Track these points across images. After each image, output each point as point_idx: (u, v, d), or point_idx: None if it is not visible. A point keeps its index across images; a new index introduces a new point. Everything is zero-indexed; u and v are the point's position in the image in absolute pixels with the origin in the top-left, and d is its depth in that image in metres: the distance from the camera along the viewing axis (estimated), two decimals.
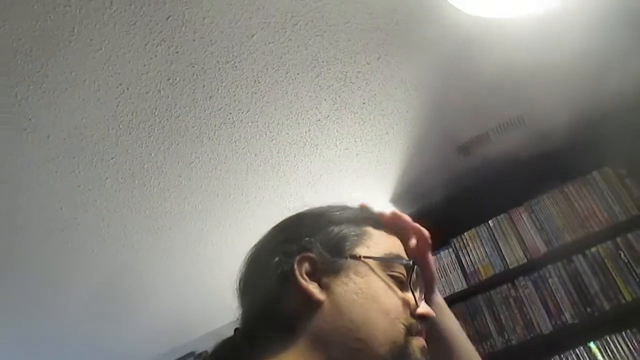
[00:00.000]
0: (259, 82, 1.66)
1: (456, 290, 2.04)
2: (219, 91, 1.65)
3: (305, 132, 1.89)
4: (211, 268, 2.42)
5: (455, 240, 2.13)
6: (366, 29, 1.58)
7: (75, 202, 1.85)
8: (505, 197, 2.06)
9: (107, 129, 1.63)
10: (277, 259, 0.63)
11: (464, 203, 2.12)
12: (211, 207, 2.07)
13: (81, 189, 1.80)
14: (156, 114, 1.64)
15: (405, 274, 0.65)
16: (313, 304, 0.60)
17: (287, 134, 1.88)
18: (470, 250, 2.08)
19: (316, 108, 1.81)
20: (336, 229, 0.66)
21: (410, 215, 2.16)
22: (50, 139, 1.59)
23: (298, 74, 1.67)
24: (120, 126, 1.64)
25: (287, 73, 1.66)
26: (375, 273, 0.63)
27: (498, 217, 2.08)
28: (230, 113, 1.73)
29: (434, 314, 0.65)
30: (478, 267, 2.04)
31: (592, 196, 1.92)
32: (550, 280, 1.89)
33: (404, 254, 0.68)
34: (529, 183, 2.01)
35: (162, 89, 1.58)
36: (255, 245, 0.70)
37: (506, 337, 1.88)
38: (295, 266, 0.61)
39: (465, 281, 2.04)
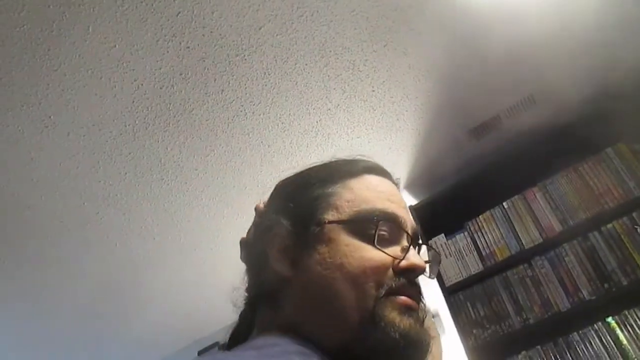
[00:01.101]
0: (269, 74, 1.70)
1: (472, 273, 2.05)
2: (230, 84, 1.69)
3: (317, 121, 1.93)
4: (230, 259, 2.46)
5: (470, 223, 2.14)
6: (372, 17, 1.61)
7: (97, 197, 1.92)
8: (519, 178, 2.06)
9: (124, 124, 1.69)
10: (257, 234, 0.64)
11: (477, 186, 2.12)
12: (228, 198, 2.11)
13: (102, 184, 1.87)
14: (170, 108, 1.69)
15: (385, 230, 0.60)
16: (285, 281, 0.59)
17: (299, 124, 1.91)
18: (486, 233, 2.09)
19: (326, 97, 1.84)
20: (308, 195, 0.63)
21: (425, 200, 2.20)
22: (70, 136, 1.66)
23: (307, 64, 1.70)
24: (137, 121, 1.69)
25: (296, 64, 1.69)
26: (342, 237, 0.58)
27: (512, 198, 2.09)
28: (242, 105, 1.77)
29: (422, 264, 0.59)
30: (494, 249, 2.05)
31: (606, 173, 1.91)
32: (566, 259, 1.89)
33: (387, 202, 0.62)
34: (542, 163, 2.00)
35: (175, 83, 1.63)
36: (253, 219, 0.70)
37: (524, 316, 1.89)
38: (267, 244, 0.61)
39: (482, 263, 2.05)
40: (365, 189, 0.63)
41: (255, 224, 0.69)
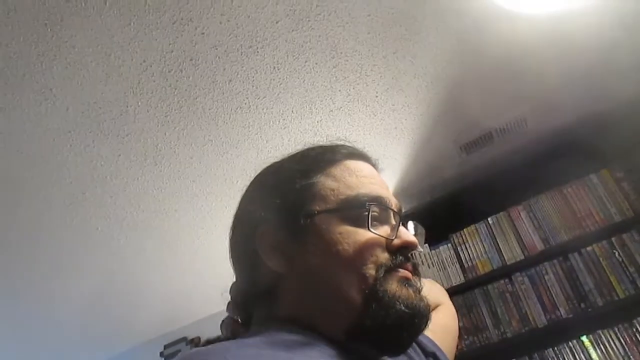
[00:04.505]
0: (278, 69, 1.69)
1: (454, 284, 2.09)
2: (239, 75, 1.67)
3: (317, 121, 1.93)
4: (211, 253, 2.43)
5: (454, 235, 2.19)
6: (386, 23, 1.63)
7: (86, 177, 1.85)
8: (505, 196, 2.12)
9: (125, 105, 1.65)
10: (244, 233, 0.64)
11: (464, 200, 2.17)
12: (219, 191, 2.08)
13: (93, 164, 1.81)
14: (175, 93, 1.66)
15: (375, 212, 0.61)
16: (280, 276, 0.59)
17: (300, 122, 1.91)
18: (469, 246, 2.14)
19: (330, 98, 1.85)
20: (292, 188, 0.62)
21: (412, 210, 2.22)
22: (69, 111, 1.60)
23: (317, 63, 1.71)
24: (139, 103, 1.65)
25: (306, 62, 1.69)
26: (333, 226, 0.59)
27: (497, 214, 2.15)
28: (247, 98, 1.76)
29: (414, 240, 0.61)
30: (476, 263, 2.10)
31: (589, 197, 2.00)
32: (546, 277, 1.96)
33: (369, 185, 0.63)
34: (528, 182, 2.08)
35: (184, 68, 1.60)
36: (233, 217, 0.68)
37: (502, 330, 1.94)
38: (257, 241, 0.61)
39: (464, 275, 2.10)
40: (347, 175, 0.63)
41: (239, 223, 0.67)
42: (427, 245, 2.22)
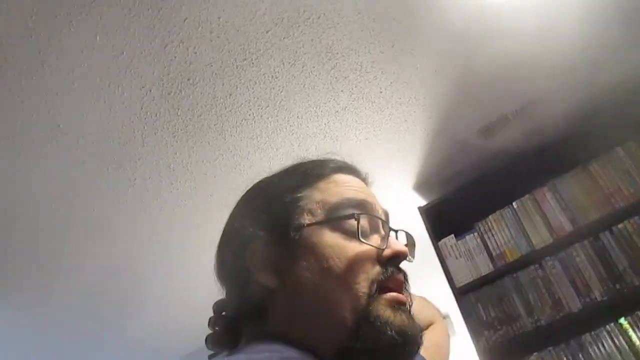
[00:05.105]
0: (277, 78, 1.70)
1: (483, 274, 2.04)
2: (238, 88, 1.69)
3: (325, 124, 1.92)
4: None
5: (480, 224, 2.13)
6: (378, 18, 1.60)
7: (107, 203, 1.92)
8: (528, 178, 2.05)
9: (132, 131, 1.70)
10: (233, 250, 0.63)
11: (487, 186, 2.12)
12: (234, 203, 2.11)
13: (112, 190, 1.87)
14: (179, 113, 1.70)
15: (365, 224, 0.60)
16: (271, 291, 0.59)
17: (307, 127, 1.91)
18: (496, 233, 2.08)
19: (334, 100, 1.84)
20: (278, 204, 0.62)
21: (434, 201, 2.18)
22: (80, 143, 1.66)
23: (314, 67, 1.70)
24: (145, 127, 1.70)
25: (303, 67, 1.69)
26: (324, 239, 0.58)
27: (522, 198, 2.08)
28: (250, 109, 1.77)
29: (405, 250, 0.60)
30: (504, 250, 2.04)
31: (616, 172, 1.90)
32: (577, 259, 1.88)
33: (354, 192, 0.63)
34: (551, 162, 2.00)
35: (183, 89, 1.63)
36: (221, 233, 0.68)
37: (535, 317, 1.88)
38: (247, 257, 0.60)
39: (492, 264, 2.04)
40: (333, 187, 0.63)
41: (228, 239, 0.67)
42: (452, 235, 2.17)
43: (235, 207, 0.70)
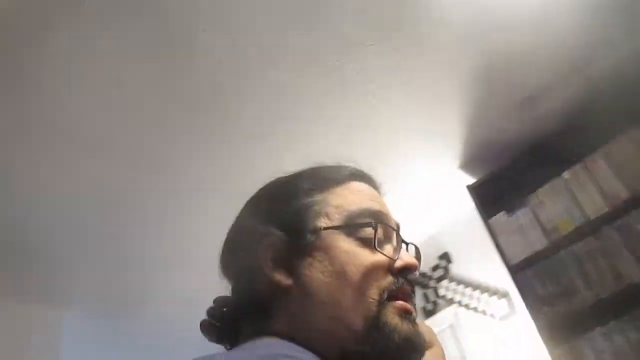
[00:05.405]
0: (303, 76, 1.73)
1: (537, 250, 1.98)
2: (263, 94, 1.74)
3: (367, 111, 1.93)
4: None
5: (530, 197, 2.07)
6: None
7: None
8: (578, 146, 1.96)
9: (173, 142, 1.79)
10: (245, 246, 0.64)
11: (534, 158, 2.05)
12: None
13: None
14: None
15: (380, 234, 0.61)
16: (282, 290, 0.60)
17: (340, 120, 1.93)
18: (548, 206, 2.01)
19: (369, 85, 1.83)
20: (294, 205, 0.63)
21: (482, 179, 2.12)
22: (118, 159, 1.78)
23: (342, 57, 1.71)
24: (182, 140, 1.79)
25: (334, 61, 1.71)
26: (340, 243, 0.60)
27: (573, 167, 1.99)
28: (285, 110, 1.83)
29: (415, 262, 0.62)
30: (557, 223, 1.96)
31: None
32: (637, 227, 1.79)
33: (370, 202, 0.64)
34: (602, 127, 1.89)
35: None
36: (230, 229, 0.69)
37: (595, 291, 1.81)
38: (259, 255, 0.61)
39: (546, 238, 1.98)
40: (349, 194, 0.65)
41: (239, 234, 0.68)
42: (503, 212, 2.12)
43: (247, 204, 0.71)
